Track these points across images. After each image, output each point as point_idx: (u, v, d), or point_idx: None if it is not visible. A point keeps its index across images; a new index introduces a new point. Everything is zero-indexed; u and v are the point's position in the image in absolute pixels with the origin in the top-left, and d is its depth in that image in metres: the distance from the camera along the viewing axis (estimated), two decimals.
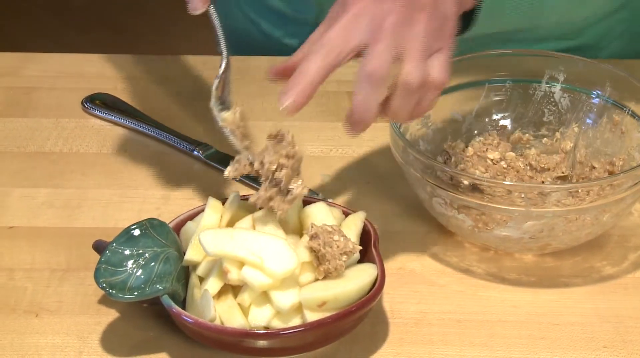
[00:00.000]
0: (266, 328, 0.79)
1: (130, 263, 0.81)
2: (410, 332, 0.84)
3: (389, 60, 0.79)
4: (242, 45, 1.25)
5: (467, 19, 0.89)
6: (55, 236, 0.95)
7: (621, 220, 0.93)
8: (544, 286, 0.90)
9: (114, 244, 0.82)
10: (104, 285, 0.80)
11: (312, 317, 0.78)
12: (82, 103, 1.14)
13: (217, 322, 0.79)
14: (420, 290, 0.89)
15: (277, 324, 0.79)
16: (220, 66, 0.88)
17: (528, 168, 0.98)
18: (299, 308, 0.79)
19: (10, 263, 0.92)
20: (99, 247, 0.86)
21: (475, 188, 0.87)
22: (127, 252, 0.82)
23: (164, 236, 0.84)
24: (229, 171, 0.84)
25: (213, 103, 0.87)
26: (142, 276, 0.80)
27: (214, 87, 0.87)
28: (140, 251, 0.82)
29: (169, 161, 1.06)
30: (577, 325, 0.85)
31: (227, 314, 0.79)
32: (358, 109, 0.80)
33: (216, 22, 0.89)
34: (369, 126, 0.81)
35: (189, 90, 1.18)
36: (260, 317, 0.78)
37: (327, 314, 0.78)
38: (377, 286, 0.80)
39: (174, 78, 1.20)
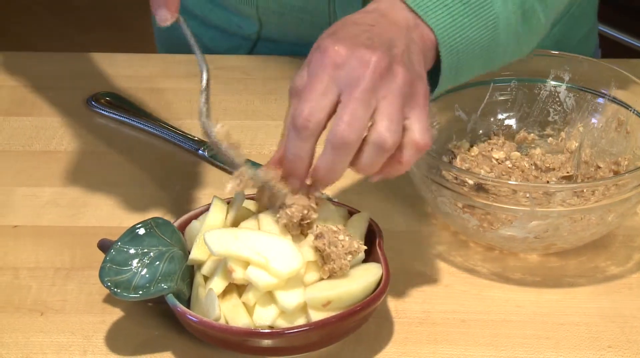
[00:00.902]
0: (271, 327, 0.79)
1: (135, 262, 0.81)
2: (414, 332, 0.84)
3: (364, 122, 0.76)
4: None
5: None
6: (60, 235, 0.95)
7: (626, 220, 0.93)
8: (548, 286, 0.90)
9: (119, 243, 0.82)
10: (109, 284, 0.80)
11: (316, 316, 0.78)
12: (87, 102, 1.14)
13: (222, 321, 0.79)
14: (425, 289, 0.89)
15: (282, 323, 0.79)
16: (202, 79, 0.85)
17: (533, 167, 0.98)
18: (303, 308, 0.79)
19: (14, 262, 0.92)
20: (104, 246, 0.86)
21: (480, 188, 0.87)
22: (132, 251, 0.82)
23: (169, 236, 0.84)
24: (232, 187, 0.82)
25: (204, 119, 0.83)
26: (147, 276, 0.81)
27: (201, 103, 0.84)
28: (145, 250, 0.82)
29: (174, 160, 1.06)
30: (581, 325, 0.85)
31: (231, 313, 0.79)
32: (323, 173, 0.78)
33: (188, 33, 0.87)
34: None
35: (194, 88, 1.17)
36: (264, 316, 0.78)
37: (332, 313, 0.78)
38: (381, 286, 0.80)
39: (178, 76, 1.20)
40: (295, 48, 1.22)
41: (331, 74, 0.76)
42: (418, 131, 0.77)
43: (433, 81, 0.83)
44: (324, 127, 0.77)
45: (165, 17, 0.83)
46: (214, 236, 0.79)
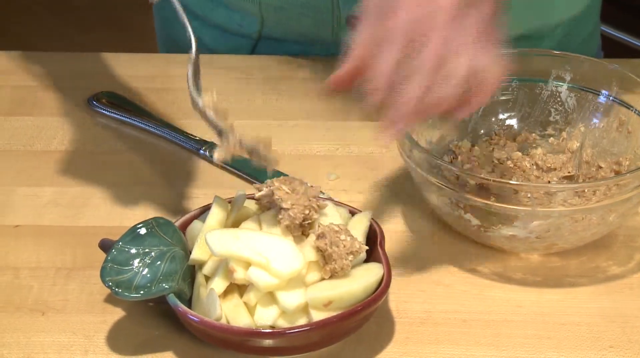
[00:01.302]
0: (272, 327, 0.79)
1: (136, 261, 0.81)
2: (415, 332, 0.84)
3: (444, 53, 0.78)
4: None
5: None
6: (61, 235, 0.95)
7: (627, 220, 0.93)
8: (549, 286, 0.90)
9: (120, 243, 0.82)
10: (110, 283, 0.80)
11: (318, 316, 0.78)
12: (87, 102, 1.14)
13: (223, 321, 0.79)
14: (426, 289, 0.89)
15: (283, 323, 0.79)
16: (191, 49, 0.87)
17: (534, 167, 0.98)
18: (305, 308, 0.79)
19: (15, 261, 0.92)
20: (105, 246, 0.86)
21: (481, 188, 0.87)
22: (133, 251, 0.82)
23: (170, 235, 0.84)
24: (218, 154, 0.84)
25: (191, 87, 0.86)
26: (148, 275, 0.80)
27: (189, 72, 0.86)
28: (147, 250, 0.82)
29: (175, 160, 1.06)
30: (583, 325, 0.85)
31: (233, 313, 0.79)
32: (406, 98, 0.78)
33: (177, 5, 0.89)
34: (411, 121, 0.79)
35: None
36: (266, 316, 0.78)
37: (333, 313, 0.78)
38: (382, 286, 0.80)
39: (179, 76, 1.20)
40: (296, 47, 1.22)
41: (405, 37, 0.78)
42: (490, 60, 0.79)
43: None
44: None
45: None
46: (215, 237, 0.79)
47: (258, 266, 0.78)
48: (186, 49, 1.30)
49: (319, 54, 1.19)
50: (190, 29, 0.87)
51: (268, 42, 1.23)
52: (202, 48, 1.27)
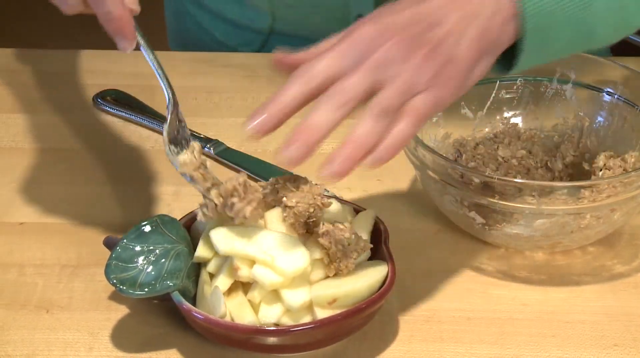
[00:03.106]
0: (276, 325, 0.79)
1: (140, 259, 0.81)
2: (420, 330, 0.84)
3: (360, 89, 0.74)
4: None
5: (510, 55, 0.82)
6: (66, 233, 0.95)
7: (632, 218, 0.93)
8: (554, 285, 0.89)
9: (125, 240, 0.82)
10: (115, 281, 0.80)
11: (322, 314, 0.78)
12: (93, 99, 1.14)
13: (228, 319, 0.79)
14: (430, 287, 0.89)
15: (287, 321, 0.79)
16: (167, 108, 0.85)
17: (539, 165, 0.98)
18: (309, 306, 0.79)
19: (20, 259, 0.92)
20: (110, 243, 0.86)
21: (486, 186, 0.87)
22: (137, 248, 0.82)
23: (175, 233, 0.84)
24: (200, 218, 0.82)
25: (167, 150, 0.82)
26: (153, 273, 0.81)
27: (165, 133, 0.83)
28: (151, 247, 0.82)
29: None
30: (587, 323, 0.85)
31: (237, 311, 0.79)
32: (310, 122, 0.74)
33: (149, 58, 0.86)
34: (313, 149, 0.73)
35: (200, 86, 1.18)
36: (270, 314, 0.78)
37: (337, 311, 0.78)
38: (387, 284, 0.80)
39: (184, 74, 1.20)
40: (308, 42, 1.22)
41: (350, 48, 0.75)
42: (418, 101, 0.75)
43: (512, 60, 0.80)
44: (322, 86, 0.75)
45: (123, 45, 0.84)
46: (219, 234, 0.79)
47: (263, 264, 0.78)
48: (197, 46, 1.30)
49: None
50: (165, 85, 0.85)
51: (279, 37, 1.23)
52: (213, 42, 1.28)
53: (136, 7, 0.84)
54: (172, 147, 0.83)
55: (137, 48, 0.86)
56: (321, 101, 0.74)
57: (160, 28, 1.38)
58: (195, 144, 0.84)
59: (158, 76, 0.86)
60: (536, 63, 0.82)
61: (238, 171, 1.03)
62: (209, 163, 0.84)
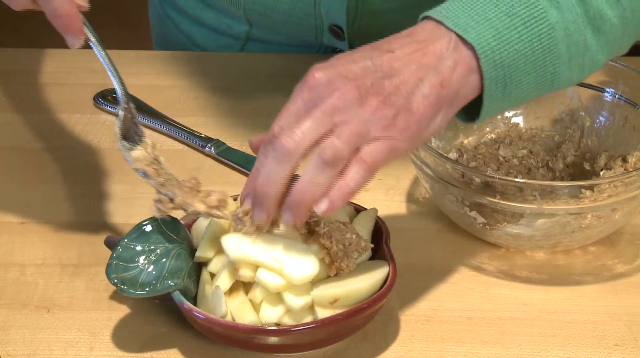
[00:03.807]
0: (277, 324, 0.79)
1: (141, 259, 0.81)
2: (421, 329, 0.84)
3: (309, 136, 0.73)
4: None
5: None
6: (67, 232, 0.95)
7: (633, 218, 0.93)
8: (555, 284, 0.89)
9: (126, 240, 0.82)
10: (116, 280, 0.80)
11: (323, 313, 0.78)
12: (94, 99, 1.14)
13: (229, 318, 0.79)
14: (432, 287, 0.89)
15: (289, 321, 0.79)
16: (118, 104, 0.85)
17: (540, 165, 0.98)
18: (310, 306, 0.79)
19: (21, 258, 0.92)
20: (111, 243, 0.86)
21: (487, 186, 0.87)
22: (138, 248, 0.82)
23: (176, 232, 0.84)
24: (155, 214, 0.81)
25: (119, 146, 0.82)
26: (154, 272, 0.81)
27: (116, 129, 0.83)
28: (152, 247, 0.82)
29: (180, 157, 1.06)
30: (588, 323, 0.85)
31: (238, 310, 0.79)
32: (262, 181, 0.75)
33: (100, 55, 0.85)
34: (274, 204, 0.75)
35: (201, 86, 1.18)
36: (271, 314, 0.78)
37: (339, 311, 0.78)
38: (388, 284, 0.80)
39: (184, 73, 1.20)
40: (285, 48, 1.23)
41: (304, 97, 0.75)
42: (368, 151, 0.73)
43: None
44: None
45: (72, 41, 0.84)
46: (231, 241, 0.79)
47: (272, 271, 0.78)
48: (179, 46, 1.30)
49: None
50: (115, 81, 0.85)
51: (256, 43, 1.24)
52: (194, 45, 1.28)
53: (84, 4, 0.84)
54: (125, 143, 0.83)
55: (88, 45, 0.86)
56: (270, 149, 0.74)
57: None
58: (148, 140, 0.84)
59: (109, 72, 0.86)
60: (501, 110, 0.81)
61: (239, 171, 1.03)
62: (163, 158, 0.85)
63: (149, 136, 0.86)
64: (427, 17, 0.78)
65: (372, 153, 0.74)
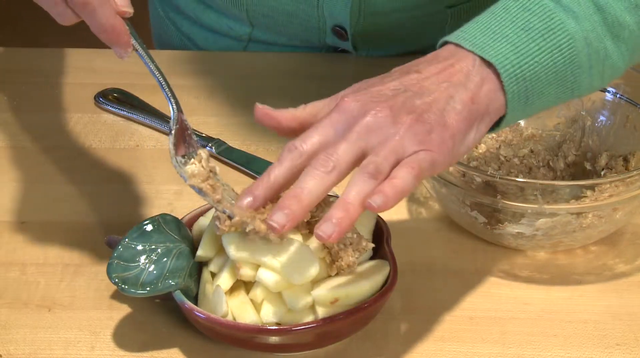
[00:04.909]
0: (278, 324, 0.79)
1: (142, 258, 0.81)
2: (422, 329, 0.84)
3: (349, 155, 0.73)
4: None
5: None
6: (68, 231, 0.95)
7: (634, 218, 0.93)
8: (556, 284, 0.89)
9: (127, 239, 0.82)
10: (117, 280, 0.80)
11: (324, 313, 0.78)
12: (94, 98, 1.14)
13: (229, 318, 0.79)
14: (432, 286, 0.89)
15: (289, 320, 0.79)
16: (172, 117, 0.83)
17: (540, 164, 0.98)
18: (311, 305, 0.79)
19: (22, 258, 0.92)
20: (112, 242, 0.86)
21: (487, 185, 0.87)
22: (139, 247, 0.82)
23: (177, 232, 0.84)
24: (217, 230, 0.78)
25: (174, 162, 0.81)
26: (155, 272, 0.81)
27: (170, 145, 0.82)
28: (153, 246, 0.82)
29: None
30: (589, 323, 0.85)
31: (239, 310, 0.79)
32: (298, 190, 0.73)
33: (150, 67, 0.85)
34: (301, 215, 0.73)
35: (202, 85, 1.18)
36: (272, 313, 0.78)
37: (339, 311, 0.78)
38: (389, 284, 0.80)
39: (186, 73, 1.20)
40: (286, 49, 1.23)
41: (336, 120, 0.75)
42: (411, 159, 0.73)
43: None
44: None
45: (119, 53, 0.83)
46: (231, 239, 0.79)
47: (273, 271, 0.78)
48: (180, 48, 1.30)
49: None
50: (168, 92, 0.84)
51: (258, 44, 1.24)
52: (194, 47, 1.28)
53: (128, 9, 0.83)
54: (180, 158, 0.81)
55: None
56: (310, 167, 0.74)
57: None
58: (203, 152, 0.81)
59: (160, 85, 0.84)
60: (522, 118, 0.82)
61: (239, 170, 1.03)
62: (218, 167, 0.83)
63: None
64: (446, 42, 0.79)
65: (416, 160, 0.73)
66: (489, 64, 0.77)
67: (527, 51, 0.77)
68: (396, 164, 0.73)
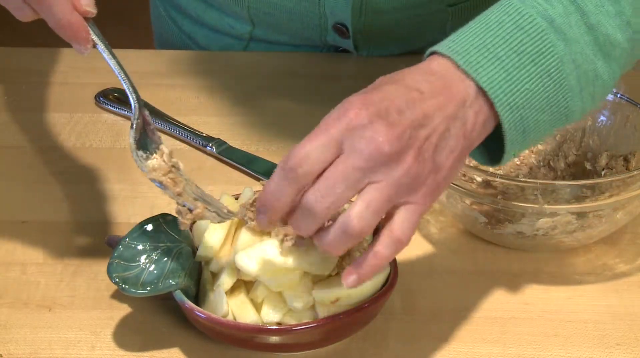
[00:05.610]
0: (278, 324, 0.79)
1: (143, 258, 0.81)
2: (422, 329, 0.84)
3: (340, 199, 0.70)
4: None
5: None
6: (68, 231, 0.95)
7: (635, 217, 0.93)
8: (556, 284, 0.89)
9: (127, 239, 0.82)
10: (117, 279, 0.80)
11: (324, 313, 0.78)
12: (95, 98, 1.14)
13: (230, 318, 0.79)
14: (433, 286, 0.89)
15: (290, 320, 0.79)
16: (132, 112, 0.82)
17: (541, 164, 0.98)
18: (311, 305, 0.79)
19: (23, 257, 0.92)
20: (112, 242, 0.86)
21: (488, 185, 0.87)
22: (140, 247, 0.82)
23: (177, 232, 0.84)
24: (180, 225, 0.79)
25: (135, 156, 0.80)
26: (155, 272, 0.81)
27: (130, 140, 0.80)
28: (153, 246, 0.82)
29: (182, 157, 1.05)
30: (590, 323, 0.85)
31: (239, 310, 0.79)
32: (267, 197, 0.72)
33: (110, 62, 0.83)
34: (275, 220, 0.73)
35: (202, 85, 1.18)
36: (272, 313, 0.78)
37: (340, 311, 0.78)
38: (389, 283, 0.80)
39: (186, 72, 1.20)
40: (288, 48, 1.23)
41: (340, 132, 0.71)
42: (399, 223, 0.72)
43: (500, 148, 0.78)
44: (313, 177, 0.72)
45: (78, 49, 0.83)
46: (245, 258, 0.78)
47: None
48: (181, 47, 1.30)
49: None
50: (128, 88, 0.83)
51: (259, 43, 1.24)
52: (195, 46, 1.28)
53: (92, 10, 0.82)
54: (140, 153, 0.81)
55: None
56: (298, 216, 0.72)
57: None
58: (165, 148, 0.81)
59: (120, 79, 0.83)
60: (522, 150, 0.79)
61: (240, 170, 1.03)
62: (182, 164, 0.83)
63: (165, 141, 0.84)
64: (435, 53, 0.76)
65: (403, 225, 0.72)
66: (483, 91, 0.74)
67: (518, 77, 0.75)
68: (383, 213, 0.72)
